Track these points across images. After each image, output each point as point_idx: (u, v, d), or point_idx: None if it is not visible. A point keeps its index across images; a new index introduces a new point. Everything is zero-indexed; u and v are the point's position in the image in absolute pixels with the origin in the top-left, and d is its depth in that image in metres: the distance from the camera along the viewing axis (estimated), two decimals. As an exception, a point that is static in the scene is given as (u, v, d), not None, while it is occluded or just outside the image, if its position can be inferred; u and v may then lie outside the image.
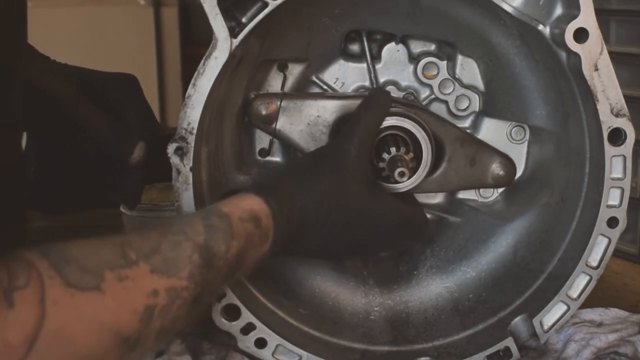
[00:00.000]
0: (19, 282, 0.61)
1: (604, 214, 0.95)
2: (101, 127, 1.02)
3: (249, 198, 0.82)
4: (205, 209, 0.81)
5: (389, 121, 0.99)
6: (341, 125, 1.05)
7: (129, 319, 0.66)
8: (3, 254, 0.62)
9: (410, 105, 1.03)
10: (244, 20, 0.89)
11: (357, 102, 1.02)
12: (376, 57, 1.08)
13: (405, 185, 1.00)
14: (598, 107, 0.91)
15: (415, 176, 1.00)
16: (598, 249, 0.97)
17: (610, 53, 0.90)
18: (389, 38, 1.08)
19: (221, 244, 0.75)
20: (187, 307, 0.72)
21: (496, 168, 1.06)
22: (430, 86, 1.08)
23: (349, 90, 1.08)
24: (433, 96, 1.08)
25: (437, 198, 1.13)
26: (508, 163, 1.07)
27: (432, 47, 1.08)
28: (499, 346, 1.01)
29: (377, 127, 0.98)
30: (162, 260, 0.70)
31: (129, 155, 1.02)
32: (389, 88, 1.08)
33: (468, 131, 1.08)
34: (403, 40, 1.08)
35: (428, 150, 1.00)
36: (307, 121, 1.03)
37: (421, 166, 1.00)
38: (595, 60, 0.90)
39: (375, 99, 1.00)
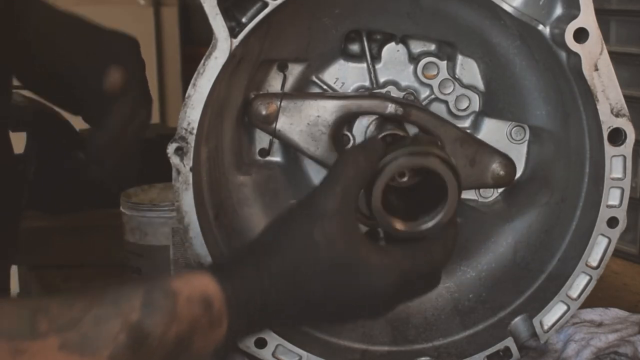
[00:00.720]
0: None
1: (604, 214, 0.95)
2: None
3: (201, 277, 0.74)
4: (152, 281, 0.72)
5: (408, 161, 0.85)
6: (341, 126, 1.05)
7: None
8: None
9: (410, 105, 1.03)
10: (244, 20, 0.89)
11: (357, 102, 1.02)
12: (376, 57, 1.08)
13: (427, 225, 0.88)
14: (598, 107, 0.91)
15: (437, 217, 0.88)
16: (598, 249, 0.97)
17: (610, 53, 0.90)
18: (389, 38, 1.08)
19: (158, 324, 0.67)
20: None
21: (496, 168, 1.06)
22: (430, 86, 1.08)
23: (349, 90, 1.08)
24: (433, 96, 1.08)
25: (437, 198, 1.13)
26: (508, 163, 1.06)
27: (432, 47, 1.08)
28: (499, 346, 1.01)
29: (364, 175, 0.81)
30: (79, 336, 0.61)
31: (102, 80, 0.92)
32: (389, 88, 1.08)
33: (468, 131, 1.08)
34: (403, 40, 1.08)
35: (454, 190, 0.88)
36: (307, 121, 1.03)
37: (447, 203, 0.88)
38: (595, 60, 0.90)
39: (364, 143, 0.87)
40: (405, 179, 0.96)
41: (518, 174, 1.09)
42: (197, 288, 0.72)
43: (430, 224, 0.87)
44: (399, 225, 0.86)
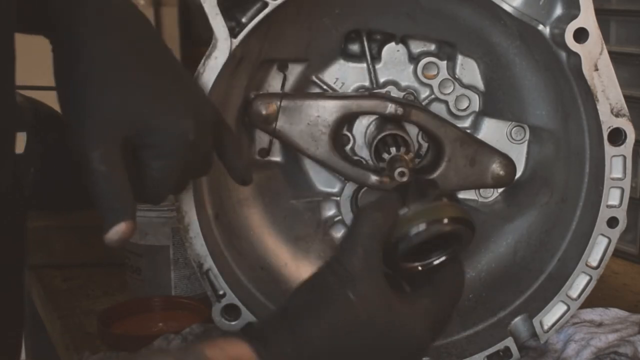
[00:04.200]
0: None
1: (604, 214, 0.95)
2: None
3: (238, 345, 0.72)
4: (186, 348, 0.72)
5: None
6: (341, 126, 1.05)
7: None
8: None
9: (410, 105, 1.03)
10: (244, 20, 0.89)
11: (357, 102, 1.02)
12: (376, 57, 1.08)
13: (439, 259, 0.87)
14: (598, 107, 0.91)
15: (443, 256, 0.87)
16: (598, 249, 0.97)
17: (610, 53, 0.90)
18: (389, 38, 1.08)
19: None
20: None
21: (496, 168, 1.06)
22: (430, 86, 1.08)
23: (349, 90, 1.08)
24: (433, 96, 1.08)
25: (437, 198, 1.13)
26: (508, 163, 1.06)
27: (432, 47, 1.08)
28: (499, 346, 1.01)
29: (383, 232, 0.80)
30: None
31: None
32: (389, 88, 1.08)
33: (468, 131, 1.08)
34: (403, 40, 1.08)
35: (468, 238, 0.87)
36: (307, 121, 1.03)
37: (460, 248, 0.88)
38: (595, 60, 0.90)
39: (381, 199, 0.85)
40: (405, 179, 0.96)
41: (518, 174, 1.09)
42: (232, 356, 0.71)
43: (442, 259, 0.86)
44: (409, 265, 0.85)
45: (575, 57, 0.90)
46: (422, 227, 0.82)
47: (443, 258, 0.86)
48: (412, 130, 1.06)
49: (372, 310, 0.76)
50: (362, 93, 1.07)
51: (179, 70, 0.82)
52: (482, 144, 1.06)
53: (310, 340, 0.74)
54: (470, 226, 0.86)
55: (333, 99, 1.03)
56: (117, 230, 0.71)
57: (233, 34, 0.89)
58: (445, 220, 0.83)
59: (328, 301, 0.76)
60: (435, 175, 1.04)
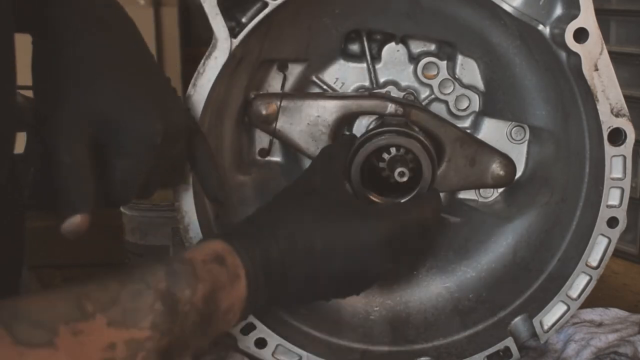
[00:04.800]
0: None
1: (604, 214, 0.95)
2: None
3: (210, 242, 0.81)
4: (167, 258, 0.78)
5: (386, 138, 0.99)
6: (341, 126, 1.05)
7: None
8: None
9: (410, 105, 1.03)
10: (244, 20, 0.89)
11: (357, 102, 1.03)
12: (376, 57, 1.08)
13: (404, 198, 1.01)
14: (598, 107, 0.91)
15: (415, 191, 1.00)
16: (598, 249, 0.97)
17: (610, 53, 0.90)
18: (389, 38, 1.08)
19: (185, 288, 0.72)
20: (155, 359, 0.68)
21: (496, 168, 1.06)
22: (430, 86, 1.08)
23: (349, 90, 1.08)
24: (433, 96, 1.08)
25: (437, 198, 1.13)
26: (508, 163, 1.07)
27: (432, 47, 1.08)
28: (499, 346, 1.01)
29: (343, 149, 0.99)
30: (120, 312, 0.67)
31: None
32: (389, 88, 1.08)
33: (468, 131, 1.08)
34: (403, 40, 1.08)
35: (427, 165, 0.99)
36: (307, 121, 1.03)
37: (422, 181, 1.00)
38: (595, 60, 0.90)
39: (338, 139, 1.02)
40: (405, 179, 0.96)
41: (518, 174, 1.09)
42: (208, 250, 0.78)
43: (407, 197, 0.98)
44: (374, 197, 1.00)
45: (575, 57, 0.90)
46: (375, 139, 0.98)
47: (408, 197, 0.98)
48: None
49: (330, 199, 0.88)
50: (362, 93, 1.07)
51: (156, 74, 0.84)
52: (482, 144, 1.06)
53: (277, 232, 0.83)
54: (427, 149, 0.98)
55: (333, 98, 1.03)
56: (72, 222, 0.73)
57: (233, 34, 0.89)
58: (399, 133, 0.97)
59: (293, 205, 0.87)
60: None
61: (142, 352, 0.67)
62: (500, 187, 1.10)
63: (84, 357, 0.63)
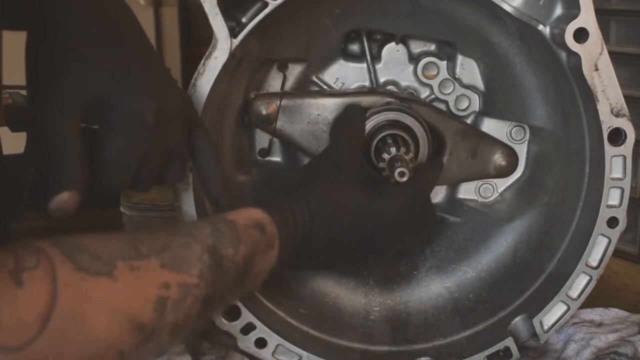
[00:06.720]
0: (28, 264, 0.60)
1: (604, 214, 0.95)
2: None
3: (251, 210, 0.85)
4: (210, 217, 0.82)
5: (386, 115, 1.01)
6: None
7: (141, 306, 0.66)
8: (10, 244, 0.62)
9: (411, 100, 1.03)
10: (244, 20, 0.89)
11: (357, 99, 1.03)
12: (376, 57, 1.08)
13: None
14: (598, 107, 0.91)
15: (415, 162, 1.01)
16: (598, 249, 0.97)
17: (610, 53, 0.90)
18: (389, 38, 1.08)
19: (229, 247, 0.76)
20: (199, 306, 0.72)
21: (498, 158, 1.07)
22: (430, 86, 1.08)
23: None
24: (433, 96, 1.08)
25: (437, 198, 1.13)
26: (510, 153, 1.07)
27: (432, 47, 1.08)
28: (499, 346, 1.01)
29: (361, 129, 1.01)
30: (172, 257, 0.70)
31: None
32: (389, 88, 1.08)
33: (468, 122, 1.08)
34: (403, 40, 1.08)
35: (424, 139, 1.01)
36: (307, 120, 1.03)
37: (419, 154, 1.01)
38: (595, 60, 0.90)
39: (349, 109, 1.04)
40: (404, 179, 0.96)
41: (518, 174, 1.09)
42: (249, 217, 0.83)
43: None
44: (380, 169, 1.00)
45: (575, 57, 0.90)
46: (375, 116, 1.01)
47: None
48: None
49: (350, 188, 0.92)
50: (361, 90, 1.07)
51: (150, 56, 0.84)
52: (484, 136, 1.07)
53: (310, 202, 0.89)
54: (422, 124, 1.01)
55: (333, 96, 1.03)
56: (59, 199, 0.72)
57: (233, 34, 0.89)
58: (398, 109, 1.01)
59: (319, 180, 0.93)
60: None
61: (191, 297, 0.71)
62: (503, 177, 1.10)
63: (140, 290, 0.66)
